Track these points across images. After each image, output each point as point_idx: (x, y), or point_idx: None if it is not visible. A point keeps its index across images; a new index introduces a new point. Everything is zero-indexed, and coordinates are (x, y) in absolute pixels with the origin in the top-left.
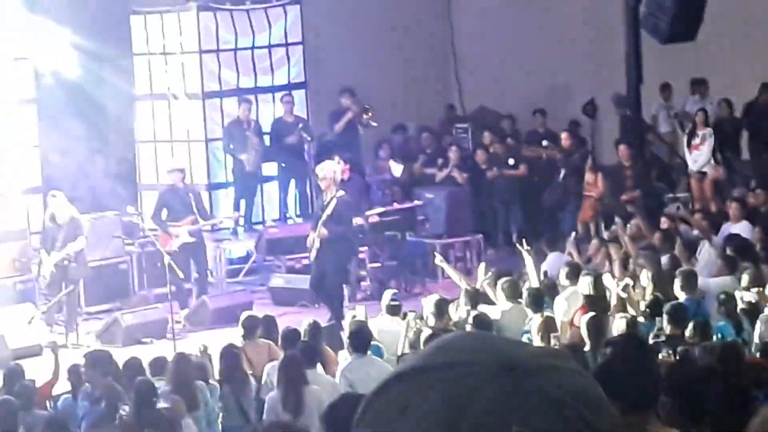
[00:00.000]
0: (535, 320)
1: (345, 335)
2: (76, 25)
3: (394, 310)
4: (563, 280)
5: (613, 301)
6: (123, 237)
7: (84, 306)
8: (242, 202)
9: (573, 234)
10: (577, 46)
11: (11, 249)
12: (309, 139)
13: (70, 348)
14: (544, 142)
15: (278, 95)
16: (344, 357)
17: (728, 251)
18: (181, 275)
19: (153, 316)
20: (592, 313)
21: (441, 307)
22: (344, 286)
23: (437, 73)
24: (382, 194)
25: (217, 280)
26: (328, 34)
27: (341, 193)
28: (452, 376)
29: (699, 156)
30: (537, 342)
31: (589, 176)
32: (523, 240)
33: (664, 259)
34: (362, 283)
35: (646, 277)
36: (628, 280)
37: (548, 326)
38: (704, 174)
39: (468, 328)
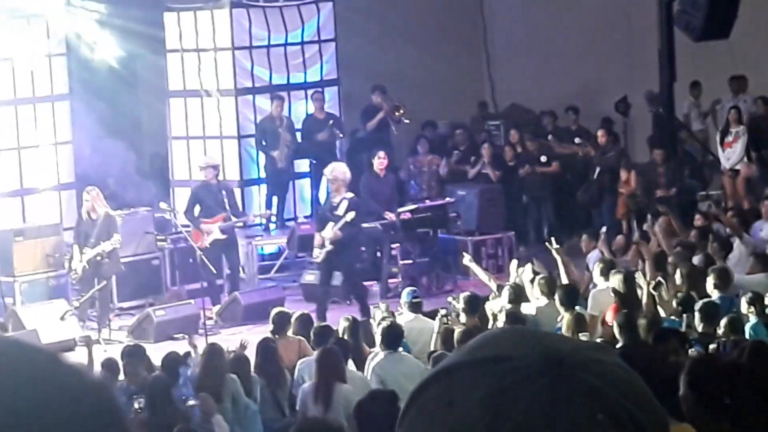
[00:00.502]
0: (565, 317)
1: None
2: (110, 21)
3: (415, 308)
4: (597, 277)
5: (645, 299)
6: (155, 233)
7: (116, 302)
8: (274, 199)
9: (603, 231)
10: (610, 43)
11: (44, 245)
12: (341, 135)
13: (102, 343)
14: (577, 140)
15: (310, 92)
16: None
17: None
18: (214, 271)
19: (185, 312)
20: (624, 311)
21: (473, 304)
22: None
23: (470, 70)
24: (420, 189)
25: (248, 277)
26: (361, 31)
27: (351, 194)
28: (497, 370)
29: (732, 153)
30: None
31: (623, 174)
32: (552, 238)
33: (698, 257)
34: (393, 280)
35: (678, 274)
36: (659, 279)
37: (578, 323)
38: (737, 172)
39: (500, 324)
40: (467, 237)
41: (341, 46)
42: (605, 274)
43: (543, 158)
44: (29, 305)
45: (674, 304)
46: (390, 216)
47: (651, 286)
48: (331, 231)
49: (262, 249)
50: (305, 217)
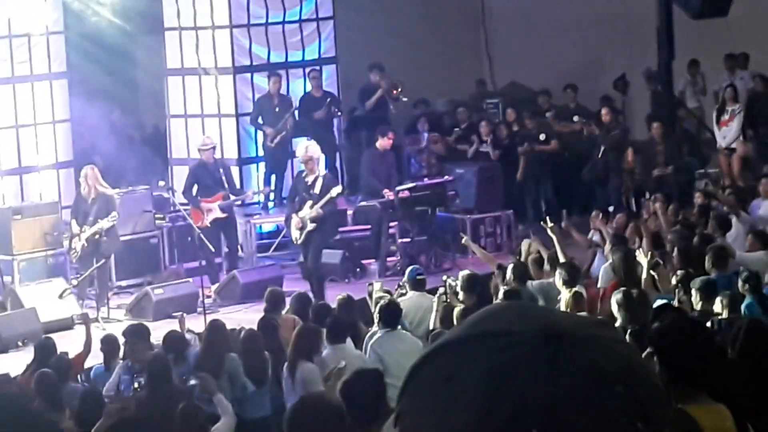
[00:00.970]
0: (564, 295)
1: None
2: None
3: (419, 285)
4: (607, 254)
5: (644, 277)
6: (154, 211)
7: (115, 280)
8: (273, 177)
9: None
10: (609, 21)
11: (43, 223)
12: (338, 113)
13: (101, 322)
14: (575, 118)
15: (308, 70)
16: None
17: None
18: (212, 249)
19: (183, 291)
20: (622, 289)
21: (472, 282)
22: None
23: (468, 48)
24: (420, 167)
25: (247, 255)
26: (359, 9)
27: (324, 172)
28: (496, 345)
29: (728, 132)
30: None
31: (629, 153)
32: (547, 217)
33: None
34: (392, 258)
35: (676, 253)
36: (657, 259)
37: (577, 302)
38: (733, 150)
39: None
40: (466, 215)
41: (339, 24)
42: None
43: (542, 136)
44: (28, 284)
45: (673, 282)
46: (388, 194)
47: (649, 265)
48: (310, 210)
49: (260, 227)
50: None
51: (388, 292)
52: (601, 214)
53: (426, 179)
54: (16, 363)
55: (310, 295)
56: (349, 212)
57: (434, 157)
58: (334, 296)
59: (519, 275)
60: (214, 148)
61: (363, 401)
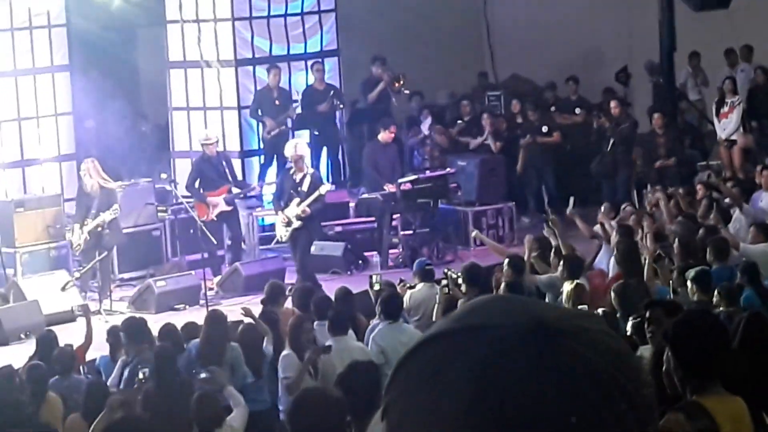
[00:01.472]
0: (566, 288)
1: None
2: None
3: (427, 276)
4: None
5: (647, 269)
6: (156, 204)
7: (117, 273)
8: (270, 170)
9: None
10: (611, 13)
11: (45, 216)
12: (341, 106)
13: (103, 314)
14: (577, 110)
15: (310, 63)
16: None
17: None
18: (214, 242)
19: (186, 283)
20: (620, 281)
21: (474, 274)
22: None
23: (469, 40)
24: (422, 159)
25: (249, 247)
26: (361, 1)
27: (312, 170)
28: (482, 339)
29: (728, 124)
30: None
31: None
32: (547, 210)
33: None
34: (394, 251)
35: (677, 244)
36: (659, 251)
37: (578, 294)
38: (734, 142)
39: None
40: (468, 207)
41: (341, 17)
42: None
43: (544, 128)
44: (30, 276)
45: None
46: (390, 187)
47: (652, 258)
48: (297, 208)
49: (262, 220)
50: None
51: (392, 285)
52: (611, 208)
53: (428, 171)
54: (18, 355)
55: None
56: (351, 204)
57: (437, 149)
58: (332, 288)
59: (515, 268)
60: (217, 141)
61: (360, 393)
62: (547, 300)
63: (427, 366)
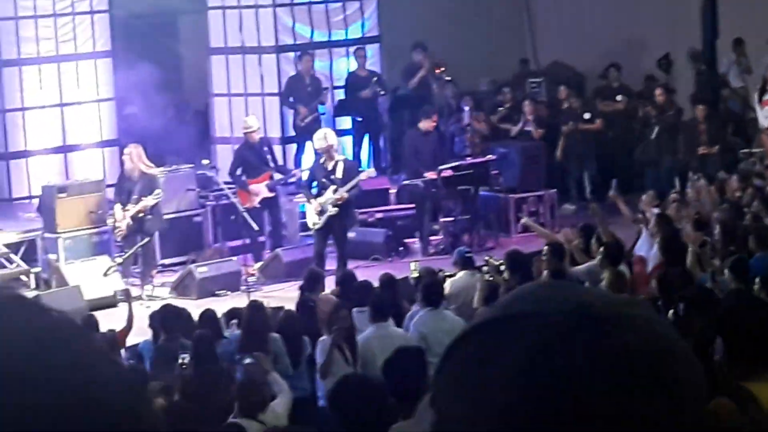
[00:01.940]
0: (606, 276)
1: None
2: None
3: (468, 263)
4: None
5: (690, 257)
6: (197, 190)
7: (159, 258)
8: (304, 158)
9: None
10: (653, 0)
11: (87, 201)
12: (382, 93)
13: (145, 299)
14: (619, 97)
15: (352, 49)
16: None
17: None
18: (256, 228)
19: (227, 269)
20: (664, 269)
21: (515, 261)
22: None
23: (511, 27)
24: (464, 146)
25: (290, 234)
26: None
27: (342, 157)
28: (530, 326)
29: None
30: None
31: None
32: (589, 198)
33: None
34: (435, 237)
35: (720, 231)
36: (704, 237)
37: (618, 281)
38: None
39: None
40: (509, 194)
41: (382, 3)
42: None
43: (586, 115)
44: (72, 261)
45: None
46: (431, 174)
47: (696, 245)
48: (335, 194)
49: (303, 206)
50: None
51: (433, 272)
52: (654, 195)
53: (469, 158)
54: None
55: (356, 273)
56: (392, 191)
57: (478, 136)
58: (376, 275)
59: (557, 254)
60: (258, 129)
61: (406, 378)
62: None
63: (476, 354)
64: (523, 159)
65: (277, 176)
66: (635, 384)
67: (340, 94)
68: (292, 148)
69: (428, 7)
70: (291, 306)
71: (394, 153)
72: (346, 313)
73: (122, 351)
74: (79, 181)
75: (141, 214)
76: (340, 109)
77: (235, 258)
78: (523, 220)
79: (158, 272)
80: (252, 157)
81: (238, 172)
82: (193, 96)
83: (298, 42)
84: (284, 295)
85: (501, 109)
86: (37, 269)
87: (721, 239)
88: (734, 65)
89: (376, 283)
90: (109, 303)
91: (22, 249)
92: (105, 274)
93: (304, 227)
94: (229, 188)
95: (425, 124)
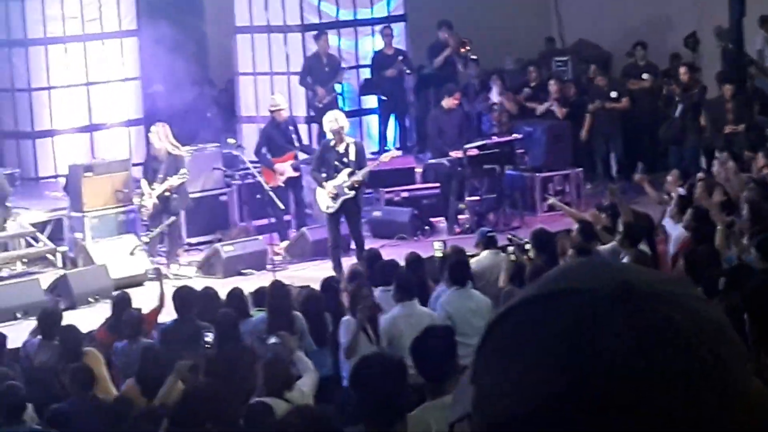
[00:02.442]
0: (627, 256)
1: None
2: None
3: (491, 242)
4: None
5: (718, 236)
6: (223, 169)
7: (185, 237)
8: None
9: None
10: None
11: (113, 180)
12: (408, 71)
13: (171, 278)
14: (645, 75)
15: (377, 28)
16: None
17: None
18: (282, 207)
19: (253, 248)
20: (690, 248)
21: (541, 240)
22: None
23: (536, 5)
24: (490, 125)
25: (316, 213)
26: None
27: (352, 139)
28: (572, 303)
29: None
30: None
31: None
32: (615, 178)
33: None
34: (461, 216)
35: (747, 211)
36: (733, 217)
37: (640, 261)
38: None
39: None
40: (534, 173)
41: None
42: (679, 212)
43: (613, 94)
44: (98, 240)
45: (745, 240)
46: (455, 153)
47: (724, 224)
48: (348, 177)
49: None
50: (372, 153)
51: (460, 251)
52: (679, 175)
53: (495, 137)
54: (86, 318)
55: (382, 252)
56: (418, 170)
57: (505, 115)
58: (402, 254)
59: (586, 234)
60: (283, 108)
61: (434, 358)
62: None
63: (517, 331)
64: (548, 138)
65: (302, 156)
66: (681, 361)
67: (365, 73)
68: (317, 127)
69: None
70: (317, 285)
71: (420, 132)
72: (368, 292)
73: (153, 331)
74: (105, 160)
75: (167, 194)
76: (366, 88)
77: (261, 237)
78: (550, 201)
79: (184, 251)
80: (278, 136)
81: (264, 150)
82: (218, 75)
83: (323, 20)
84: (310, 274)
85: (527, 88)
86: (64, 248)
87: (749, 218)
88: (766, 43)
89: (401, 262)
90: (135, 282)
91: (49, 228)
92: (131, 253)
93: None
94: (255, 167)
95: (448, 102)
